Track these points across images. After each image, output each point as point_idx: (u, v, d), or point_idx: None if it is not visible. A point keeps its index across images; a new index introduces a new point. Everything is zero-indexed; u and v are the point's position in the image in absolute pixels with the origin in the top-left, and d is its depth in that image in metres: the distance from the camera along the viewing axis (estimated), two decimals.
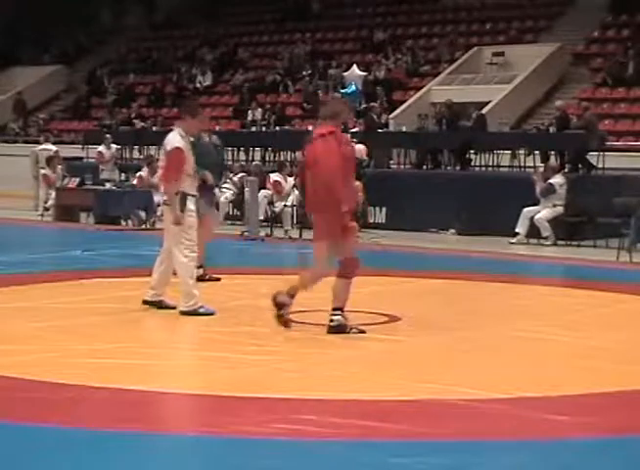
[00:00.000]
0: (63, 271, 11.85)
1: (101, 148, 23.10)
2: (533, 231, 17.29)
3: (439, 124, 22.15)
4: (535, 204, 17.33)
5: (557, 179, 17.40)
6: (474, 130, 21.05)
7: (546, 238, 17.13)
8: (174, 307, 9.47)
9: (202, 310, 9.29)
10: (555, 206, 17.22)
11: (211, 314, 9.29)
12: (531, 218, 17.28)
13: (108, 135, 23.65)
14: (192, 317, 9.21)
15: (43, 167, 22.48)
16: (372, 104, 23.43)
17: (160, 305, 9.62)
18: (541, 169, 17.96)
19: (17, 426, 5.76)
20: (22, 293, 10.60)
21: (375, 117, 22.57)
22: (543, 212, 17.17)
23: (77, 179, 20.93)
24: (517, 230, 17.28)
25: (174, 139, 9.55)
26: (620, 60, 25.86)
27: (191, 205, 9.50)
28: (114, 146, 23.33)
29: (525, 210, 17.33)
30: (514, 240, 17.14)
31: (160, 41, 37.00)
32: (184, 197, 9.40)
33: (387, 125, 23.39)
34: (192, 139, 9.99)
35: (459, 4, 32.44)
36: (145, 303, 9.64)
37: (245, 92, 29.73)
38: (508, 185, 18.81)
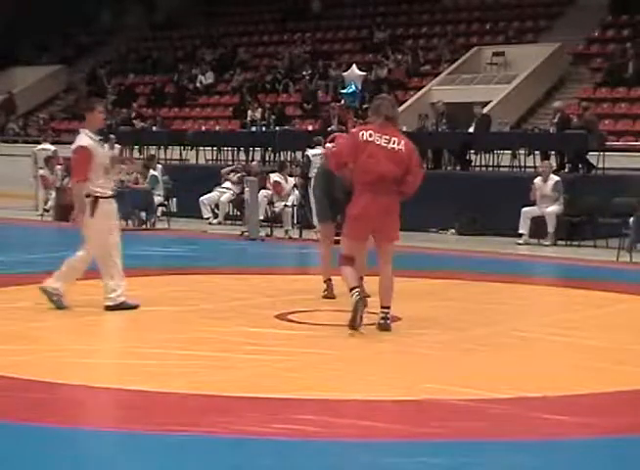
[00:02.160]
0: None
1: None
2: (534, 231, 17.30)
3: (438, 126, 22.13)
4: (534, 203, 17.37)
5: (557, 177, 17.46)
6: (476, 130, 21.01)
7: (548, 235, 17.09)
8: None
9: (127, 304, 9.48)
10: (561, 203, 17.26)
11: (136, 307, 9.45)
12: (532, 218, 17.30)
13: (111, 135, 23.46)
14: (192, 317, 9.23)
15: (42, 168, 22.42)
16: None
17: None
18: (541, 169, 17.89)
19: (17, 426, 5.76)
20: (22, 293, 10.59)
21: None
22: (553, 207, 17.16)
23: None
24: (521, 231, 17.28)
25: (81, 139, 9.52)
26: (619, 61, 25.85)
27: (106, 205, 9.49)
28: (118, 146, 23.12)
29: (524, 209, 17.34)
30: (520, 241, 17.15)
31: (159, 41, 37.04)
32: (95, 201, 9.39)
33: None
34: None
35: (459, 4, 32.45)
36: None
37: (245, 92, 29.74)
38: (508, 185, 18.79)
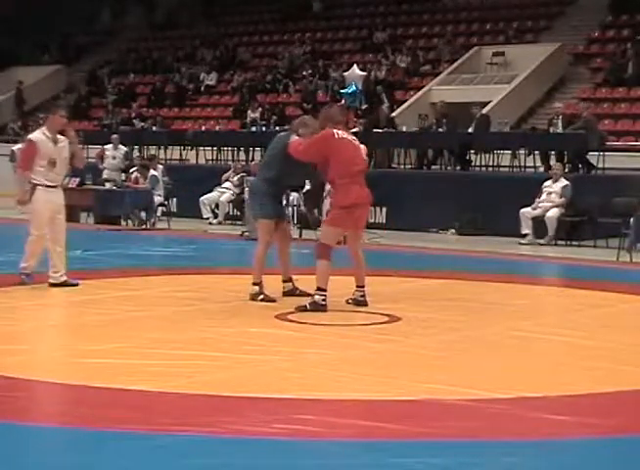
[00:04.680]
0: None
1: (107, 147, 22.83)
2: (535, 230, 17.31)
3: (438, 126, 22.14)
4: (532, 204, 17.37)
5: (567, 181, 17.47)
6: (475, 130, 21.01)
7: (547, 236, 17.10)
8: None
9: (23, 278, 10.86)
10: (563, 207, 17.26)
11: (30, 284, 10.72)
12: (532, 218, 17.31)
13: (115, 135, 23.28)
14: (192, 317, 9.24)
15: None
16: (382, 107, 23.43)
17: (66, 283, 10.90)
18: (553, 171, 17.86)
19: (17, 426, 5.76)
20: (21, 293, 10.60)
21: (383, 117, 22.54)
22: (554, 210, 17.16)
23: (77, 179, 20.92)
24: (525, 232, 17.27)
25: (33, 134, 11.00)
26: (619, 61, 25.84)
27: (43, 195, 10.74)
28: (122, 147, 22.91)
29: (522, 210, 17.34)
30: (524, 240, 17.14)
31: (159, 41, 37.03)
32: (34, 187, 10.74)
33: (393, 126, 23.17)
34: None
35: (459, 4, 32.45)
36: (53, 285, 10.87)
37: (245, 92, 29.73)
38: (508, 185, 18.81)
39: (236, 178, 20.65)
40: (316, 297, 9.54)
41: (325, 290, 9.52)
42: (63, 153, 10.97)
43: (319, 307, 9.46)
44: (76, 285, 11.00)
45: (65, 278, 10.98)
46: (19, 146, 23.30)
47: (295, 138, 10.12)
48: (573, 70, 27.50)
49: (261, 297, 10.13)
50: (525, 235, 17.27)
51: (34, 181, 10.78)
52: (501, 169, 20.92)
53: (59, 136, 10.97)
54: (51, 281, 10.94)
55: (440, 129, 21.66)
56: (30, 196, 10.78)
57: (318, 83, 28.94)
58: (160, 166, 21.15)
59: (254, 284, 10.23)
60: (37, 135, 10.90)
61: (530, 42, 28.62)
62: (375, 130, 21.58)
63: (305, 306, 9.52)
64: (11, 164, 22.70)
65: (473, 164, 21.17)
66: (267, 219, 10.27)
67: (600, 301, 10.82)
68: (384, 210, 19.69)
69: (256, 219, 10.58)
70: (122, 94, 32.80)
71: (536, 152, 20.17)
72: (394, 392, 6.55)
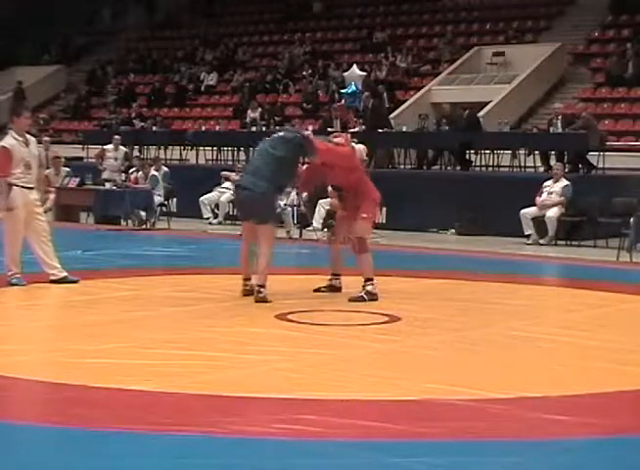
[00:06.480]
0: None
1: (107, 147, 22.74)
2: (535, 230, 17.32)
3: (438, 126, 22.16)
4: (532, 205, 17.37)
5: (567, 181, 17.47)
6: (468, 131, 21.01)
7: (547, 236, 17.11)
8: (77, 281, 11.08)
9: (14, 281, 10.81)
10: (563, 207, 17.26)
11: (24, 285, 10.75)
12: (532, 218, 17.31)
13: (117, 136, 23.16)
14: (192, 317, 9.24)
15: (48, 168, 22.31)
16: (365, 96, 23.43)
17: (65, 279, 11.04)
18: (554, 171, 17.85)
19: (17, 426, 5.76)
20: (21, 293, 10.60)
21: (371, 107, 22.50)
22: (554, 210, 17.16)
23: (77, 179, 20.90)
24: (528, 232, 17.26)
25: (4, 140, 11.03)
26: (615, 59, 25.83)
27: (20, 197, 10.79)
28: (122, 148, 22.79)
29: (523, 211, 17.33)
30: (529, 241, 17.14)
31: (159, 41, 37.03)
32: (10, 187, 10.80)
33: (381, 116, 23.11)
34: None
35: (459, 4, 32.45)
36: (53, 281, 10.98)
37: (245, 92, 29.74)
38: (508, 185, 18.81)
39: (237, 177, 20.64)
40: (369, 287, 10.23)
41: (373, 279, 10.25)
42: (35, 153, 11.15)
43: (374, 296, 10.18)
44: (77, 281, 11.05)
45: (65, 273, 11.06)
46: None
47: (311, 136, 10.69)
48: (573, 71, 27.50)
49: (262, 295, 10.07)
50: (528, 236, 17.27)
51: (12, 181, 10.81)
52: (501, 169, 20.92)
53: (27, 136, 11.09)
54: (52, 278, 11.00)
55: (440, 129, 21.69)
56: (7, 195, 10.80)
57: (318, 83, 28.94)
58: (165, 169, 21.11)
59: (261, 286, 10.13)
60: (9, 141, 10.94)
61: (530, 42, 28.62)
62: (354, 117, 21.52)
63: (362, 297, 10.16)
64: None
65: (473, 164, 21.17)
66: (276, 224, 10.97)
67: (600, 301, 10.82)
68: (384, 210, 19.66)
69: (270, 223, 10.37)
70: (122, 94, 32.81)
71: (536, 152, 20.18)
72: (394, 392, 6.55)
